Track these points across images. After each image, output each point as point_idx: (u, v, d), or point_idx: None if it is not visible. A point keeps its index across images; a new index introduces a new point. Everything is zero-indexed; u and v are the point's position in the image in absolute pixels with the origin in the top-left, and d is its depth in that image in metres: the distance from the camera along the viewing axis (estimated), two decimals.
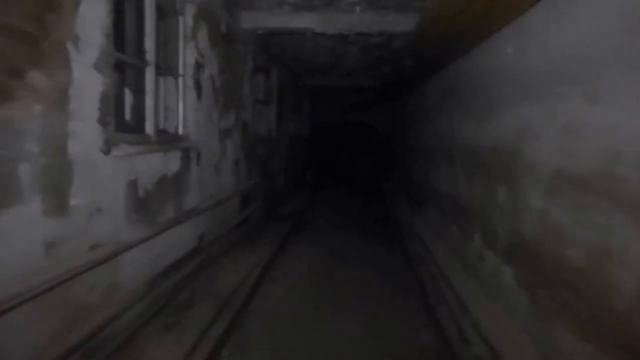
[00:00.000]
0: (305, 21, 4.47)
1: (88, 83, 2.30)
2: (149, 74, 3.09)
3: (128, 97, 3.22)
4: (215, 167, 4.26)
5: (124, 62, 2.90)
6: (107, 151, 2.47)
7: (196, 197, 3.79)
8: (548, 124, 2.59)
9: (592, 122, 2.15)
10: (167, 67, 3.45)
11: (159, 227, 3.11)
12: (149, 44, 3.06)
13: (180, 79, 3.56)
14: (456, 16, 3.42)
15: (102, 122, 2.41)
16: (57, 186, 2.11)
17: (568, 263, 2.35)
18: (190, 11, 3.56)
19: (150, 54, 3.07)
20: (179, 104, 3.57)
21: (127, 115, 3.22)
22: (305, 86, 10.90)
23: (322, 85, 10.87)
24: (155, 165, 3.08)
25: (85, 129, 2.30)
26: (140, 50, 3.09)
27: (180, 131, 3.59)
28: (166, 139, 3.33)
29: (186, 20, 3.53)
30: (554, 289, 2.49)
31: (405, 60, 5.87)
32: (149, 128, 3.10)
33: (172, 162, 3.33)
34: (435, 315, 3.33)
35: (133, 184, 2.79)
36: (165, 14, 3.41)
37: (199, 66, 3.74)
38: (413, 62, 5.77)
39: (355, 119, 14.53)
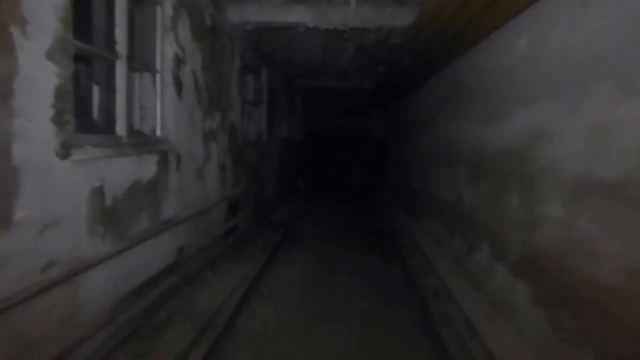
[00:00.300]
0: (296, 15, 4.15)
1: (39, 75, 1.96)
2: (120, 69, 2.74)
3: (96, 95, 2.88)
4: (199, 173, 3.91)
5: (89, 54, 2.56)
6: (64, 155, 2.12)
7: (176, 206, 3.43)
8: (570, 122, 2.29)
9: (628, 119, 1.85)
10: (142, 62, 3.11)
11: (131, 240, 2.75)
12: (120, 34, 2.72)
13: (158, 75, 3.21)
14: (460, 8, 3.13)
15: (57, 120, 2.06)
16: None
17: (597, 282, 2.04)
18: None
19: (121, 46, 2.72)
20: (157, 102, 3.22)
21: (95, 115, 2.87)
22: (298, 88, 10.60)
23: (316, 88, 10.58)
24: (126, 170, 2.73)
25: (35, 129, 1.95)
26: (110, 42, 2.75)
27: (158, 132, 3.24)
28: (141, 141, 2.98)
29: (165, 9, 3.19)
30: (579, 311, 2.18)
31: (404, 59, 5.58)
32: (120, 129, 2.75)
33: (147, 167, 2.98)
34: (440, 339, 3.00)
35: (99, 192, 2.44)
36: (141, 1, 3.08)
37: (179, 61, 3.39)
38: (412, 61, 5.48)
39: (350, 123, 14.24)
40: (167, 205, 3.28)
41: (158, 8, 3.16)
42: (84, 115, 2.70)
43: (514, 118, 3.02)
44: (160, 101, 3.23)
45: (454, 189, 4.56)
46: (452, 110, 4.75)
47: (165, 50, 3.23)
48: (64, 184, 2.16)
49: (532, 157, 2.72)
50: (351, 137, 14.45)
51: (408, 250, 5.21)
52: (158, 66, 3.21)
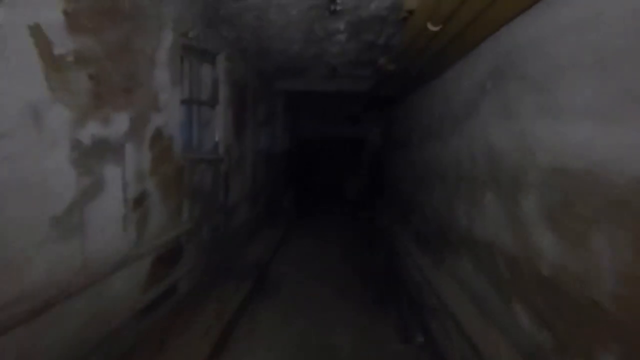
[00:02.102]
0: None
1: None
2: None
3: None
4: (62, 221, 2.11)
5: None
6: None
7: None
8: None
9: None
10: None
11: None
12: None
13: None
14: None
15: None
16: None
17: None
18: None
19: None
20: None
21: None
22: (280, 93, 8.86)
23: (302, 92, 8.87)
24: None
25: None
26: None
27: None
28: None
29: None
30: None
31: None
32: None
33: None
34: None
35: None
36: None
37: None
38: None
39: (342, 131, 12.51)
40: None
41: None
42: None
43: None
44: None
45: (514, 228, 2.81)
46: (515, 101, 3.01)
47: None
48: None
49: None
50: (343, 147, 12.72)
51: (438, 323, 3.43)
52: None
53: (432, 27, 3.09)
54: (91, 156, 2.30)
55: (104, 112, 2.41)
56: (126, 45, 2.65)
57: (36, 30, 1.87)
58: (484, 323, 3.04)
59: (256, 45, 5.42)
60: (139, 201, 2.88)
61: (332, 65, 6.64)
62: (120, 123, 2.60)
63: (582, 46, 2.07)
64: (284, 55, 6.23)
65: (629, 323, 1.72)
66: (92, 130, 2.30)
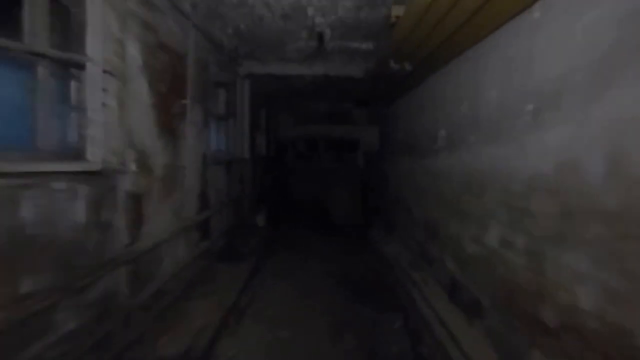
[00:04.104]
0: None
1: None
2: None
3: None
4: None
5: None
6: None
7: None
8: None
9: None
10: None
11: None
12: None
13: None
14: None
15: None
16: None
17: None
18: None
19: None
20: None
21: None
22: (251, 79, 6.67)
23: (277, 78, 6.71)
24: None
25: None
26: None
27: None
28: None
29: None
30: None
31: None
32: None
33: None
34: None
35: None
36: None
37: None
38: None
39: (331, 130, 10.37)
40: None
41: None
42: None
43: None
44: None
45: None
46: None
47: None
48: None
49: None
50: (332, 150, 10.57)
51: None
52: None
53: None
54: None
55: None
56: None
57: None
58: None
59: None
60: None
61: (318, 30, 4.50)
62: None
63: None
64: (245, 11, 4.08)
65: None
66: None
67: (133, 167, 2.90)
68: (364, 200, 9.29)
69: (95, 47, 2.38)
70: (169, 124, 3.55)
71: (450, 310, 3.53)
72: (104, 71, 2.44)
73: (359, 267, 5.63)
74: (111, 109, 2.58)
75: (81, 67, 2.35)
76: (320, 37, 4.63)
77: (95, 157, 2.29)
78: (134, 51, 2.84)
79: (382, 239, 6.65)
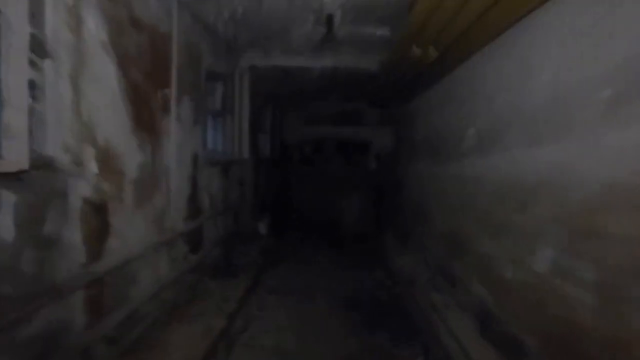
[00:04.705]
0: None
1: None
2: None
3: None
4: None
5: None
6: None
7: None
8: None
9: None
10: None
11: None
12: None
13: None
14: None
15: None
16: None
17: None
18: None
19: None
20: None
21: None
22: (255, 75, 6.08)
23: (282, 70, 6.14)
24: None
25: None
26: None
27: None
28: None
29: None
30: None
31: None
32: None
33: None
34: None
35: None
36: None
37: None
38: None
39: (339, 132, 9.75)
40: None
41: None
42: None
43: None
44: None
45: None
46: None
47: None
48: None
49: None
50: (341, 152, 9.95)
51: None
52: None
53: None
54: None
55: None
56: None
57: None
58: None
59: None
60: None
61: (326, 12, 3.92)
62: None
63: None
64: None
65: None
66: None
67: (93, 167, 2.34)
68: (376, 207, 8.65)
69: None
70: (147, 118, 2.99)
71: (482, 348, 2.89)
72: (40, 44, 1.88)
73: (369, 284, 5.00)
74: (58, 93, 2.02)
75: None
76: (330, 20, 4.04)
77: (14, 153, 1.72)
78: (93, 24, 2.28)
79: (395, 251, 6.01)
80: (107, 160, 2.45)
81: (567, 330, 2.16)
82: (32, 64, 1.82)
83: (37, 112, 1.88)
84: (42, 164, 1.90)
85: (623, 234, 1.80)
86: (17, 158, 1.70)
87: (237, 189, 5.98)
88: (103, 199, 2.42)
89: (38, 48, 1.87)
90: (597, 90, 1.96)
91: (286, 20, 4.22)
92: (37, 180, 1.92)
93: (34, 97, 1.86)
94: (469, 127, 3.83)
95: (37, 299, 1.96)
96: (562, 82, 2.27)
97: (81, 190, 2.25)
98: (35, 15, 1.85)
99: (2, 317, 1.78)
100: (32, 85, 1.85)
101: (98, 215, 2.38)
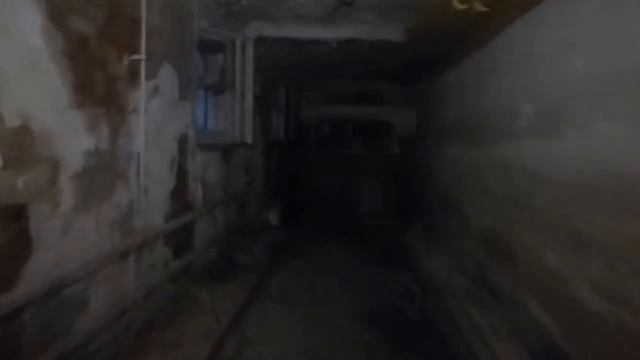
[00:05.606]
0: None
1: None
2: None
3: None
4: None
5: None
6: None
7: None
8: None
9: None
10: None
11: None
12: None
13: None
14: None
15: None
16: None
17: None
18: None
19: None
20: None
21: None
22: (264, 46, 5.24)
23: (296, 43, 5.30)
24: None
25: None
26: None
27: None
28: None
29: None
30: None
31: None
32: None
33: None
34: None
35: None
36: None
37: None
38: None
39: (358, 112, 8.86)
40: None
41: None
42: None
43: None
44: None
45: None
46: None
47: None
48: None
49: None
50: (361, 134, 9.08)
51: None
52: None
53: None
54: None
55: None
56: None
57: None
58: None
59: None
60: None
61: None
62: None
63: None
64: None
65: None
66: None
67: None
68: (399, 195, 7.81)
69: None
70: (102, 89, 2.25)
71: None
72: None
73: (393, 291, 4.22)
74: None
75: None
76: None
77: None
78: None
79: (422, 248, 5.20)
80: (25, 146, 1.74)
81: None
82: None
83: None
84: None
85: None
86: None
87: (241, 177, 5.27)
88: (18, 202, 1.71)
89: None
90: None
91: None
92: None
93: None
94: (523, 103, 2.96)
95: None
96: None
97: None
98: None
99: None
100: None
101: (8, 224, 1.67)
